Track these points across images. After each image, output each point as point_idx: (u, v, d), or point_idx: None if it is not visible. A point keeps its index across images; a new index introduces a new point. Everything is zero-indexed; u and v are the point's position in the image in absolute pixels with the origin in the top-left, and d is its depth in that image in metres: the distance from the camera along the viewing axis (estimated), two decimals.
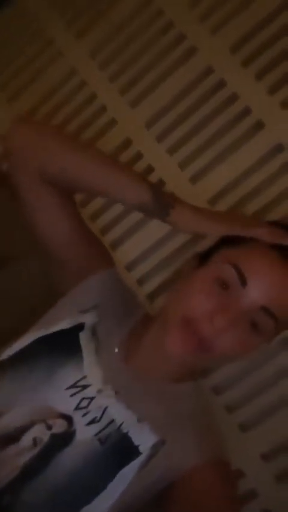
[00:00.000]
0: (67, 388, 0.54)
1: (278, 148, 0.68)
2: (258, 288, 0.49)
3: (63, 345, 0.57)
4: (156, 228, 0.73)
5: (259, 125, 0.69)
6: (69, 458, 0.51)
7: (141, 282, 0.74)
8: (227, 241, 0.54)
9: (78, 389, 0.54)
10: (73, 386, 0.54)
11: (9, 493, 0.50)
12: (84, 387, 0.54)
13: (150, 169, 0.73)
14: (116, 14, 0.77)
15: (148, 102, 0.74)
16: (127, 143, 0.74)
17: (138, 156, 0.74)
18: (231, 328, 0.49)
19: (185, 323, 0.50)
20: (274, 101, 0.68)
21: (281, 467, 0.66)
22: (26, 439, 0.52)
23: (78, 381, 0.54)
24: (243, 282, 0.49)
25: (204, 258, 0.55)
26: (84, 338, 0.57)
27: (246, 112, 0.69)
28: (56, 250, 0.61)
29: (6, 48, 0.82)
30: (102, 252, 0.66)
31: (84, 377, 0.54)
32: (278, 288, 0.50)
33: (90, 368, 0.55)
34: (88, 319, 0.59)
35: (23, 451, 0.51)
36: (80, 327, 0.58)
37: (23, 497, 0.50)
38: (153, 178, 0.72)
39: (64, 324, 0.58)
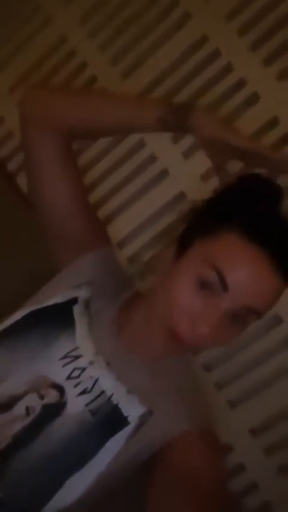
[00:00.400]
0: (60, 358, 0.55)
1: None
2: (240, 291, 0.49)
3: (58, 318, 0.58)
4: (147, 205, 0.72)
5: (255, 98, 0.66)
6: (60, 428, 0.52)
7: (131, 259, 0.73)
8: (199, 230, 0.53)
9: (71, 359, 0.55)
10: (66, 356, 0.55)
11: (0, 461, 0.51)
12: (76, 357, 0.55)
13: (142, 143, 0.71)
14: None
15: (140, 73, 0.71)
16: None
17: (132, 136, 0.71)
18: (212, 332, 0.49)
19: (169, 333, 0.51)
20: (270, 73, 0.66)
21: (269, 441, 0.67)
22: (19, 408, 0.53)
23: (71, 351, 0.55)
24: (225, 287, 0.49)
25: (180, 250, 0.54)
26: (77, 311, 0.58)
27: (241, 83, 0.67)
28: (55, 220, 0.63)
29: None
30: (100, 230, 0.67)
31: (76, 348, 0.56)
32: (261, 286, 0.49)
33: (82, 339, 0.56)
34: (82, 293, 0.60)
35: (16, 419, 0.53)
36: (73, 300, 0.59)
37: (14, 465, 0.51)
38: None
39: (58, 299, 0.59)
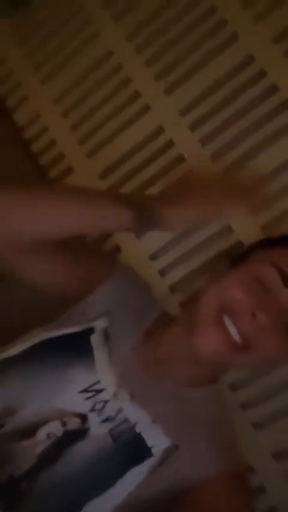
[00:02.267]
0: (80, 392, 0.53)
1: None
2: None
3: (74, 347, 0.56)
4: None
5: None
6: (81, 452, 0.51)
7: (163, 272, 0.73)
8: (264, 243, 0.54)
9: (93, 393, 0.53)
10: (87, 390, 0.53)
11: (25, 480, 0.51)
12: (98, 391, 0.53)
13: (181, 158, 0.71)
14: None
15: (184, 89, 0.72)
16: (159, 131, 0.73)
17: (170, 144, 0.72)
18: (272, 328, 0.47)
19: (223, 316, 0.48)
20: None
21: None
22: (41, 434, 0.52)
23: (92, 385, 0.53)
24: (286, 281, 0.48)
25: (239, 258, 0.54)
26: (95, 340, 0.56)
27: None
28: (58, 287, 0.61)
29: (43, 28, 0.81)
30: (99, 266, 0.63)
31: (97, 382, 0.53)
32: None
33: (103, 371, 0.54)
34: (98, 324, 0.58)
35: (38, 444, 0.52)
36: (90, 330, 0.57)
37: (37, 486, 0.50)
38: (185, 167, 0.71)
39: (74, 329, 0.57)
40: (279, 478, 0.66)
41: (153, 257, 0.73)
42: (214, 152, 0.70)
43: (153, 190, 0.72)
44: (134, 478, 0.49)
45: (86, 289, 0.61)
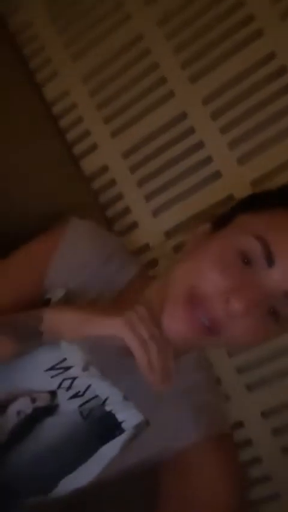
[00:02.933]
0: (46, 370, 0.51)
1: None
2: (286, 271, 0.43)
3: None
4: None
5: None
6: (52, 429, 0.51)
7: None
8: (248, 205, 0.48)
9: (60, 371, 0.51)
10: (53, 368, 0.51)
11: None
12: (66, 369, 0.51)
13: (200, 145, 0.77)
14: None
15: (208, 79, 0.76)
16: (182, 117, 0.78)
17: (191, 131, 0.77)
18: (247, 313, 0.43)
19: (193, 300, 0.44)
20: None
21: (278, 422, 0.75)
22: (11, 411, 0.51)
23: (59, 363, 0.51)
24: (271, 261, 0.43)
25: (220, 222, 0.49)
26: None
27: None
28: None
29: (77, 5, 0.83)
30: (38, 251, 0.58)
31: (64, 360, 0.50)
32: None
33: (68, 347, 0.50)
34: (54, 294, 0.53)
35: (9, 422, 0.51)
36: (46, 302, 0.53)
37: (10, 463, 0.51)
38: (202, 154, 0.77)
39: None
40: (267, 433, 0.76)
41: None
42: (232, 140, 0.75)
43: (171, 173, 0.78)
44: (105, 455, 0.49)
45: (38, 280, 0.55)
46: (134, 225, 0.80)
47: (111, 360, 0.50)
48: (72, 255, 0.55)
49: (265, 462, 0.74)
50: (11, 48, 0.84)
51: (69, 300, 0.53)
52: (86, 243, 0.57)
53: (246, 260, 0.44)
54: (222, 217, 0.49)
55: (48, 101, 0.84)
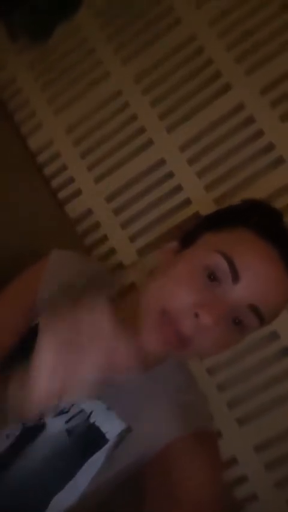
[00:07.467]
0: None
1: None
2: (250, 286, 0.46)
3: (20, 345, 0.54)
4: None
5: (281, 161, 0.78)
6: (40, 448, 0.51)
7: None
8: (211, 224, 0.51)
9: None
10: None
11: None
12: None
13: (179, 188, 0.82)
14: (161, 45, 0.85)
15: (183, 128, 0.83)
16: (161, 163, 0.83)
17: (170, 175, 0.83)
18: (215, 326, 0.45)
19: (164, 317, 0.46)
20: None
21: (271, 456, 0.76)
22: (0, 436, 0.51)
23: None
24: (236, 278, 0.45)
25: (187, 240, 0.51)
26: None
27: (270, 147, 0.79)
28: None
29: (59, 63, 0.90)
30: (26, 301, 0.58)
31: None
32: (271, 286, 0.46)
33: None
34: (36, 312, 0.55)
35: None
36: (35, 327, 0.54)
37: (2, 485, 0.51)
38: (181, 196, 0.81)
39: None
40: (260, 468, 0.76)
41: None
42: (208, 184, 0.81)
43: (153, 215, 0.82)
44: (92, 466, 0.50)
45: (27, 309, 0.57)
46: (119, 265, 0.82)
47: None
48: (56, 280, 0.58)
49: (261, 498, 0.74)
50: None
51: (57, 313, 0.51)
52: (67, 268, 0.60)
53: (212, 277, 0.46)
54: (188, 235, 0.52)
55: (33, 151, 0.89)
